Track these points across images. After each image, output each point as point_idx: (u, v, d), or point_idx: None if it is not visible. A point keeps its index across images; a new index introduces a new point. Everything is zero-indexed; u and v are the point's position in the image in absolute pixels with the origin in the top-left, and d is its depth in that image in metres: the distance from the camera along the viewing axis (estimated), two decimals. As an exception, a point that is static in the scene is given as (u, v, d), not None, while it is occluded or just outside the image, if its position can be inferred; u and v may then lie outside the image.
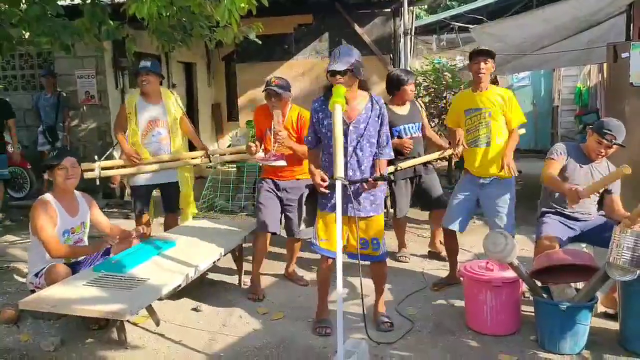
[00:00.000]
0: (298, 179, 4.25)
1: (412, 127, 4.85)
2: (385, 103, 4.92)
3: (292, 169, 4.23)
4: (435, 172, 5.06)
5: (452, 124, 4.42)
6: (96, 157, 4.59)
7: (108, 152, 5.43)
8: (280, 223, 4.32)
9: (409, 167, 4.83)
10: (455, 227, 4.22)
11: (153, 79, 4.65)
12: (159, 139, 4.72)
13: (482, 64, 3.98)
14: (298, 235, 4.33)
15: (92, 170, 4.60)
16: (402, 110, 4.85)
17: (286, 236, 4.48)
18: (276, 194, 4.27)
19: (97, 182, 4.65)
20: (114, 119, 5.23)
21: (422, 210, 5.30)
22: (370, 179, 3.37)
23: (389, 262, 4.90)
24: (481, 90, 4.05)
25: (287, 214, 4.31)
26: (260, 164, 4.33)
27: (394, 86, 4.83)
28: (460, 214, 4.19)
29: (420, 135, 4.97)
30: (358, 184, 3.39)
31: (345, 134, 3.32)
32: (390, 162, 4.87)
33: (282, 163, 4.13)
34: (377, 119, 3.41)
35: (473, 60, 4.06)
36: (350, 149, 3.36)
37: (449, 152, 5.04)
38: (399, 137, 4.79)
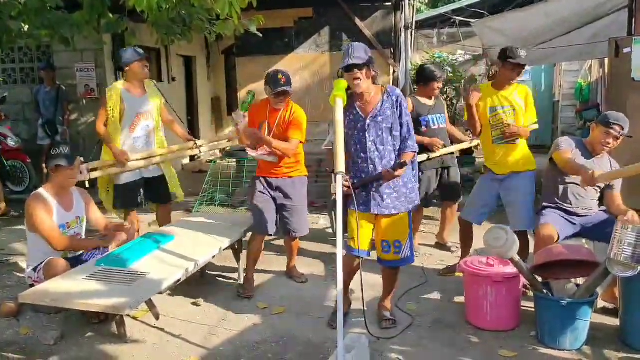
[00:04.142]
0: (291, 177, 4.17)
1: (439, 118, 4.98)
2: (412, 95, 5.04)
3: (284, 166, 4.13)
4: (457, 165, 5.17)
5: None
6: (82, 159, 4.47)
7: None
8: (276, 223, 4.26)
9: (438, 157, 4.92)
10: (471, 219, 4.33)
11: (148, 66, 4.64)
12: (147, 131, 4.67)
13: (517, 72, 4.03)
14: (295, 235, 4.31)
15: (80, 173, 4.37)
16: (429, 102, 4.98)
17: (283, 235, 4.44)
18: (270, 193, 4.18)
19: (87, 185, 4.46)
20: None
21: (436, 203, 5.33)
22: (388, 169, 3.31)
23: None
24: (499, 89, 4.10)
25: (283, 213, 4.23)
26: (255, 158, 4.22)
27: (424, 80, 4.98)
28: (480, 207, 4.28)
29: (445, 127, 5.07)
30: (379, 178, 3.35)
31: (364, 129, 3.32)
32: (422, 152, 4.93)
33: (273, 158, 4.07)
34: (395, 109, 3.36)
35: (507, 67, 4.02)
36: (369, 144, 3.34)
37: (475, 142, 5.18)
38: (427, 126, 4.90)
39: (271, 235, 4.26)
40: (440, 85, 4.98)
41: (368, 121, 3.33)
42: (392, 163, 3.36)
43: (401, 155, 3.40)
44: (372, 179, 3.35)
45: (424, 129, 4.91)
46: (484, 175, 4.38)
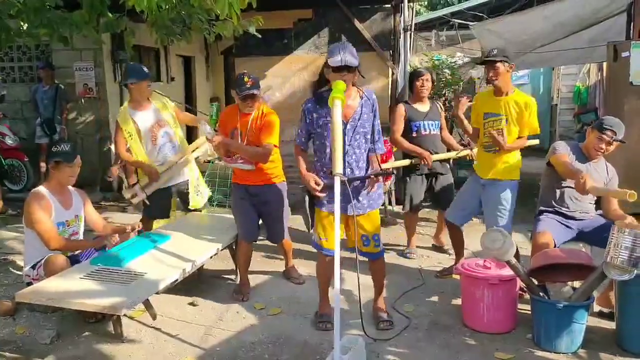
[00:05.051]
0: (269, 184, 4.09)
1: (432, 125, 4.93)
2: (407, 101, 5.03)
3: (260, 173, 4.04)
4: (451, 172, 5.15)
5: (474, 124, 4.31)
6: (135, 181, 4.63)
7: (106, 149, 5.35)
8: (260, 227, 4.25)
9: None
10: (454, 220, 4.37)
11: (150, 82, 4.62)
12: (169, 137, 4.63)
13: (491, 71, 3.96)
14: (275, 242, 4.30)
15: (136, 195, 4.58)
16: (423, 107, 4.94)
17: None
18: (249, 199, 4.11)
19: (148, 203, 4.61)
20: (112, 113, 5.11)
21: (431, 206, 5.36)
22: (372, 175, 3.38)
23: (389, 258, 4.96)
24: (501, 94, 4.02)
25: (265, 220, 4.20)
26: (228, 166, 4.16)
27: (410, 83, 5.05)
28: (461, 209, 4.32)
29: (438, 133, 5.01)
30: (358, 182, 3.40)
31: (343, 132, 3.30)
32: (406, 156, 4.99)
33: (249, 167, 3.99)
34: (371, 113, 3.42)
35: (485, 69, 4.04)
36: (347, 147, 3.35)
37: (464, 152, 5.05)
38: (417, 132, 4.89)
39: (256, 241, 4.23)
40: (427, 84, 4.87)
41: (348, 126, 3.34)
42: (365, 166, 3.44)
43: (372, 159, 3.48)
44: (357, 178, 3.39)
45: (414, 134, 4.89)
46: (470, 177, 4.40)
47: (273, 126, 3.97)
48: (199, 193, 4.79)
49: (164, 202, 4.67)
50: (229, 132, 4.01)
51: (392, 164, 5.43)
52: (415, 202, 4.99)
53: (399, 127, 4.91)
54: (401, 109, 4.95)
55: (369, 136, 3.43)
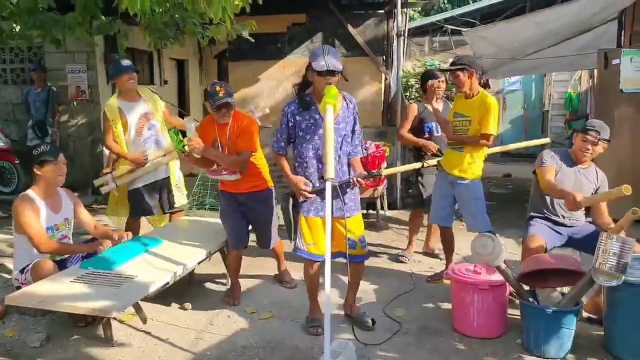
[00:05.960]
0: (255, 191, 4.04)
1: None
2: (419, 100, 5.08)
3: (246, 181, 3.99)
4: None
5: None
6: (107, 170, 4.70)
7: (99, 150, 5.36)
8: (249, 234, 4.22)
9: (434, 165, 4.91)
10: (439, 222, 4.45)
11: (135, 76, 4.61)
12: (155, 131, 4.65)
13: (454, 79, 4.16)
14: (271, 246, 4.28)
15: (107, 184, 4.65)
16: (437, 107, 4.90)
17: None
18: (237, 207, 4.06)
19: (116, 193, 4.71)
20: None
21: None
22: (360, 179, 3.38)
23: (381, 263, 4.97)
24: (467, 97, 4.16)
25: (254, 227, 4.19)
26: (213, 178, 4.16)
27: (423, 82, 5.06)
28: (442, 210, 4.38)
29: None
30: (345, 185, 3.41)
31: None
32: (417, 159, 5.06)
33: (235, 177, 3.94)
34: (351, 117, 3.45)
35: (451, 74, 4.23)
36: None
37: None
38: (430, 133, 4.94)
39: (246, 247, 4.21)
40: (441, 85, 4.91)
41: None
42: (346, 168, 3.48)
43: (353, 162, 3.51)
44: (345, 182, 3.41)
45: (426, 135, 4.96)
46: (437, 176, 4.49)
47: (250, 132, 3.90)
48: (182, 192, 4.87)
49: (146, 199, 4.68)
50: (211, 144, 3.93)
51: (404, 167, 5.41)
52: (426, 198, 4.97)
53: (407, 124, 5.00)
54: (414, 108, 5.03)
55: (349, 139, 3.47)
